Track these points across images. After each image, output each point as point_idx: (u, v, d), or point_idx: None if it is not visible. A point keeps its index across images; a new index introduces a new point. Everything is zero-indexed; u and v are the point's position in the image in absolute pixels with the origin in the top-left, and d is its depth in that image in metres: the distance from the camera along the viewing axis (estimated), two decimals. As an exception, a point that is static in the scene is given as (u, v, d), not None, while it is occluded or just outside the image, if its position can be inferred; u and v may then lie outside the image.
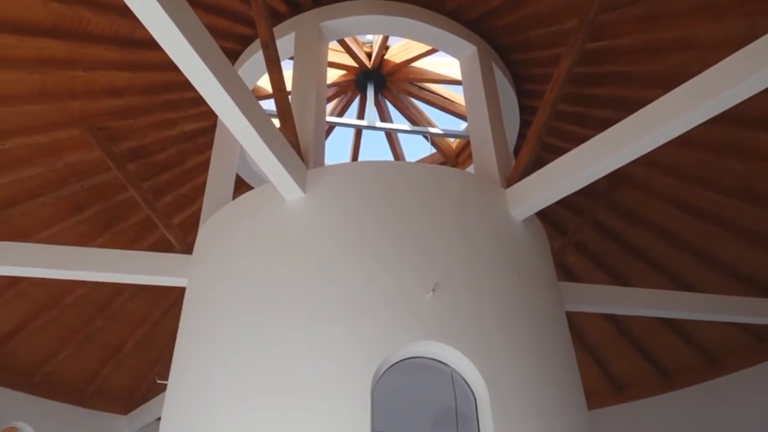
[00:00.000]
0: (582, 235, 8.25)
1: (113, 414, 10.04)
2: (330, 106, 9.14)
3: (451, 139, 9.41)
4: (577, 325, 9.10)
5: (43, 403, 9.37)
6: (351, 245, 4.73)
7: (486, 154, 6.15)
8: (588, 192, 6.74)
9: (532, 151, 5.82)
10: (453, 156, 9.38)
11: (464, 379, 4.46)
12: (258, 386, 4.19)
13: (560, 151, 5.75)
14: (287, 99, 5.54)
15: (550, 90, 5.85)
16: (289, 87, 6.31)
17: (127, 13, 6.10)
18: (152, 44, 6.60)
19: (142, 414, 9.72)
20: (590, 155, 5.13)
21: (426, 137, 8.87)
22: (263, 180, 7.91)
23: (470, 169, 8.76)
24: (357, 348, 4.23)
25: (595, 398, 9.21)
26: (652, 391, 9.47)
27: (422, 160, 9.52)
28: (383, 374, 4.29)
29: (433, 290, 4.50)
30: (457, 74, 8.05)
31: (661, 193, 7.87)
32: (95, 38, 6.47)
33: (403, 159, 9.57)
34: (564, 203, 7.39)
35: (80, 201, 7.98)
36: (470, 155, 8.95)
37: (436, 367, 4.58)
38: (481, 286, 4.81)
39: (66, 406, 9.58)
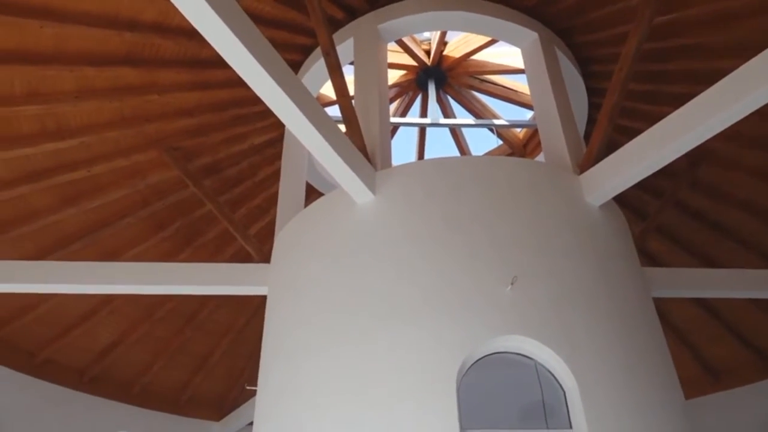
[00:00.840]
0: (664, 218, 7.90)
1: (207, 421, 10.46)
2: (392, 107, 9.18)
3: (518, 130, 9.25)
4: (665, 311, 8.71)
5: (143, 413, 9.89)
6: (424, 244, 4.73)
7: (556, 141, 6.00)
8: (667, 172, 6.44)
9: (604, 134, 5.62)
10: (520, 146, 9.21)
11: (550, 372, 4.36)
12: (343, 388, 4.25)
13: (633, 132, 5.53)
14: (351, 104, 5.61)
15: (619, 69, 5.64)
16: (351, 92, 6.39)
17: (193, 35, 6.39)
18: (218, 63, 6.89)
19: (234, 419, 10.07)
20: (668, 133, 4.90)
21: (491, 130, 8.74)
22: (332, 186, 8.04)
23: (540, 158, 8.57)
24: (439, 347, 4.22)
25: (690, 387, 8.79)
26: (751, 377, 8.94)
27: (489, 154, 9.40)
28: (467, 371, 4.26)
29: (512, 283, 4.43)
30: (519, 63, 7.90)
31: (747, 167, 7.43)
32: (165, 62, 6.77)
33: (470, 154, 9.48)
34: (642, 186, 7.08)
35: (162, 219, 8.38)
36: (539, 144, 8.76)
37: (520, 361, 4.50)
38: (561, 276, 4.70)
39: (163, 415, 10.07)
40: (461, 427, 3.94)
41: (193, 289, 6.64)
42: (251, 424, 9.32)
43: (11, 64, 5.92)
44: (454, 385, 4.06)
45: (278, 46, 4.39)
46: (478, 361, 4.33)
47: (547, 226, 4.96)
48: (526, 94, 8.45)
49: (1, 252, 7.32)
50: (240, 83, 7.11)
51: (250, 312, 9.83)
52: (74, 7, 5.84)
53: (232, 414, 10.18)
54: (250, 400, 9.46)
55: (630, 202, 8.12)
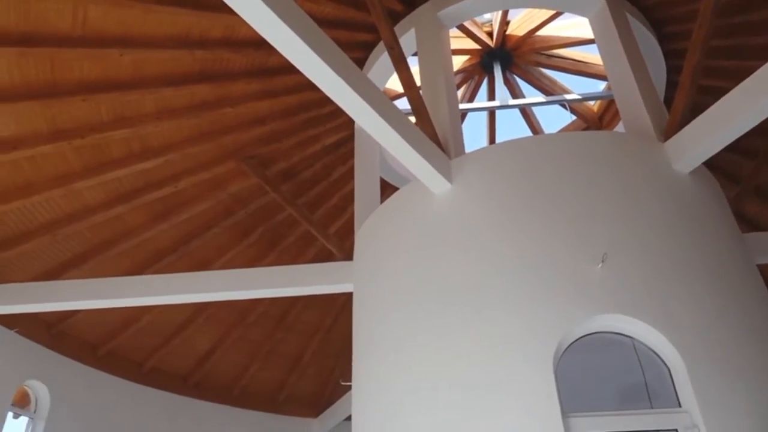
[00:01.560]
0: (761, 179, 7.40)
1: (305, 418, 10.78)
2: (459, 93, 9.07)
3: (592, 103, 8.92)
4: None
5: (245, 413, 10.31)
6: (507, 228, 4.65)
7: (635, 110, 5.74)
8: (760, 130, 6.03)
9: (688, 96, 5.32)
10: (596, 119, 8.88)
11: (651, 350, 4.19)
12: (439, 380, 4.25)
13: (719, 92, 5.19)
14: (419, 94, 5.59)
15: (699, 26, 5.31)
16: (417, 82, 6.37)
17: (259, 45, 6.57)
18: (285, 69, 7.08)
19: (331, 415, 10.32)
20: (759, 88, 4.58)
21: (564, 105, 8.48)
22: (406, 179, 8.06)
23: (618, 129, 8.24)
24: (532, 331, 4.14)
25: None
26: None
27: (563, 131, 9.12)
28: (563, 355, 4.16)
29: (603, 261, 4.28)
30: (586, 34, 7.62)
31: None
32: (236, 75, 7.00)
33: (543, 133, 9.24)
34: (733, 147, 6.66)
35: (246, 226, 8.68)
36: (616, 115, 8.42)
37: (617, 340, 4.35)
38: (654, 249, 4.50)
39: (263, 414, 10.46)
40: (563, 413, 3.85)
41: (281, 292, 6.85)
42: (348, 419, 9.53)
43: (97, 93, 6.29)
44: (551, 370, 3.98)
45: (341, 45, 4.42)
46: (573, 343, 4.22)
47: (634, 198, 4.76)
48: (598, 65, 8.13)
49: (103, 270, 7.80)
50: (307, 87, 7.29)
51: (336, 311, 10.04)
52: (149, 33, 6.13)
53: (329, 410, 10.43)
54: (345, 396, 9.68)
55: (720, 166, 7.64)
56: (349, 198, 8.38)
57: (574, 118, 8.92)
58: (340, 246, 7.45)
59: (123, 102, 6.58)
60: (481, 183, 5.08)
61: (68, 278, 7.39)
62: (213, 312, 9.28)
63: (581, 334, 4.25)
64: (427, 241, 5.04)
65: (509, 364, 4.05)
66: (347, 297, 6.96)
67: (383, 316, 5.01)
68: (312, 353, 10.46)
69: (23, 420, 8.10)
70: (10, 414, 7.74)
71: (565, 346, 4.19)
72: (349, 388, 8.94)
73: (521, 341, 4.10)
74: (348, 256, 6.69)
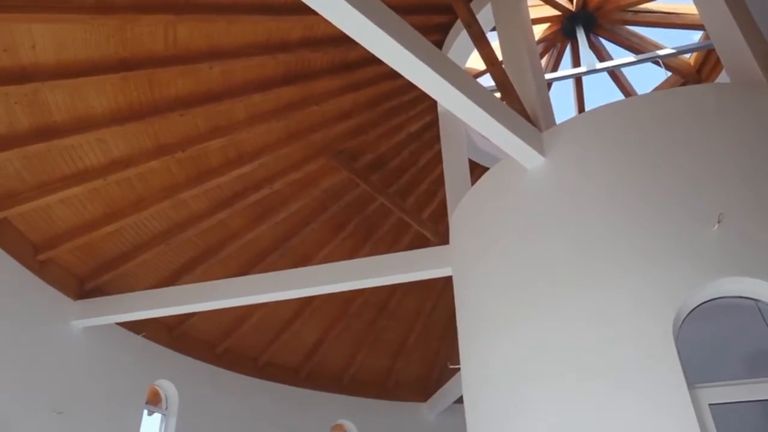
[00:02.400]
0: None
1: (414, 402, 10.92)
2: (541, 63, 8.79)
3: (687, 56, 8.36)
4: None
5: (356, 401, 10.60)
6: (611, 196, 4.46)
7: (739, 57, 5.31)
8: None
9: (801, 34, 4.88)
10: (693, 73, 8.32)
11: (781, 312, 3.91)
12: (553, 356, 4.17)
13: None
14: (502, 69, 5.48)
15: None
16: (499, 57, 6.23)
17: (339, 42, 6.67)
18: (364, 62, 7.15)
19: (440, 398, 10.39)
20: None
21: (657, 62, 8.01)
22: (495, 159, 7.94)
23: (721, 79, 7.68)
24: (648, 301, 3.97)
25: None
26: None
27: (658, 89, 8.62)
28: (683, 323, 3.96)
29: (718, 222, 4.02)
30: (676, -18, 7.15)
31: None
32: (318, 73, 7.16)
33: (635, 95, 8.78)
34: None
35: (341, 219, 8.89)
36: (716, 66, 7.86)
37: (739, 305, 4.10)
38: (777, 205, 4.17)
39: (374, 401, 10.70)
40: (688, 384, 3.67)
41: (382, 281, 6.95)
42: (458, 401, 9.57)
43: (193, 107, 6.63)
44: (671, 340, 3.80)
45: (417, 30, 4.40)
46: (693, 310, 4.01)
47: (749, 152, 4.43)
48: (691, 14, 7.61)
49: (213, 273, 8.24)
50: (387, 77, 7.34)
51: (435, 295, 10.08)
52: (234, 43, 6.39)
53: (438, 393, 10.50)
54: (453, 379, 9.71)
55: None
56: (439, 182, 8.36)
57: (668, 74, 8.40)
58: (434, 230, 7.47)
59: (216, 112, 6.90)
60: (576, 152, 4.91)
61: (183, 283, 7.88)
62: (317, 305, 9.58)
63: (701, 301, 4.04)
64: (525, 218, 4.95)
65: (627, 338, 3.90)
66: (446, 280, 6.95)
67: (488, 298, 4.97)
68: (416, 338, 10.57)
69: (157, 417, 8.76)
70: (145, 412, 8.39)
71: (684, 315, 3.99)
72: (457, 370, 8.99)
73: (637, 313, 3.93)
74: (443, 240, 6.69)
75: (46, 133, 6.01)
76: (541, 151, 5.03)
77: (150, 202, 7.22)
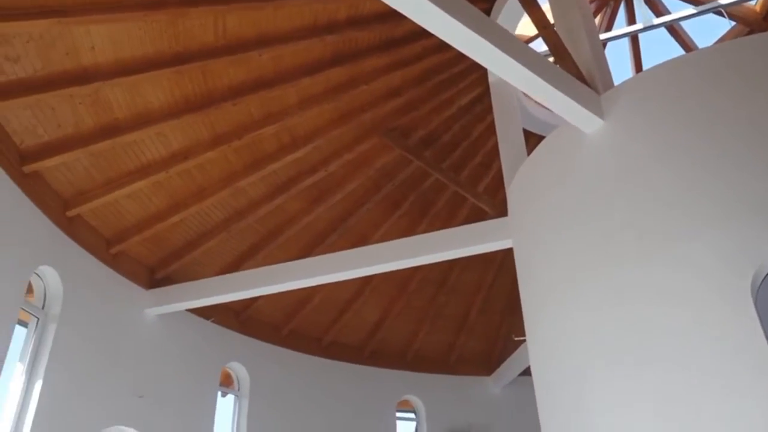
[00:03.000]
0: None
1: (479, 376, 10.94)
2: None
3: (751, 2, 7.88)
4: None
5: (421, 377, 10.69)
6: (679, 154, 4.27)
7: (812, -1, 4.98)
8: None
9: None
10: (760, 20, 7.85)
11: None
12: (624, 324, 4.07)
13: None
14: (555, 32, 5.31)
15: None
16: (550, 20, 6.04)
17: (385, 18, 6.62)
18: (411, 37, 7.08)
19: (505, 371, 10.36)
20: None
21: (720, 12, 7.58)
22: (550, 126, 7.74)
23: (790, 26, 7.23)
24: (722, 262, 3.79)
25: None
26: None
27: (721, 41, 8.18)
28: (762, 284, 3.79)
29: (797, 176, 3.81)
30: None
31: None
32: (365, 52, 7.13)
33: (697, 49, 8.36)
34: None
35: (396, 198, 8.90)
36: (784, 11, 7.39)
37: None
38: None
39: (439, 376, 10.77)
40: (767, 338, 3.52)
41: (441, 256, 6.93)
42: (523, 374, 9.53)
43: (246, 95, 6.74)
44: (750, 303, 3.64)
45: None
46: (772, 272, 3.83)
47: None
48: (755, -43, 7.16)
49: (275, 257, 8.42)
50: (434, 50, 7.24)
51: (494, 268, 10.00)
52: (281, 28, 6.43)
53: (502, 366, 10.48)
54: (517, 351, 9.65)
55: None
56: (493, 154, 8.25)
57: (732, 24, 7.96)
58: (491, 203, 7.38)
59: (268, 99, 6.99)
60: (638, 113, 4.73)
61: (246, 269, 8.08)
62: (376, 284, 9.67)
63: (781, 260, 3.84)
64: (587, 183, 4.82)
65: (701, 302, 3.75)
66: (505, 253, 6.87)
67: (552, 267, 4.90)
68: (477, 313, 10.54)
69: (230, 398, 9.09)
70: (219, 393, 8.72)
71: (763, 275, 3.81)
72: (521, 343, 8.93)
73: (711, 274, 3.77)
74: (501, 212, 6.61)
75: (109, 130, 6.23)
76: (600, 114, 4.88)
77: (210, 192, 7.42)
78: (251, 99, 6.83)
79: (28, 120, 5.75)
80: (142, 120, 6.37)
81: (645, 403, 3.75)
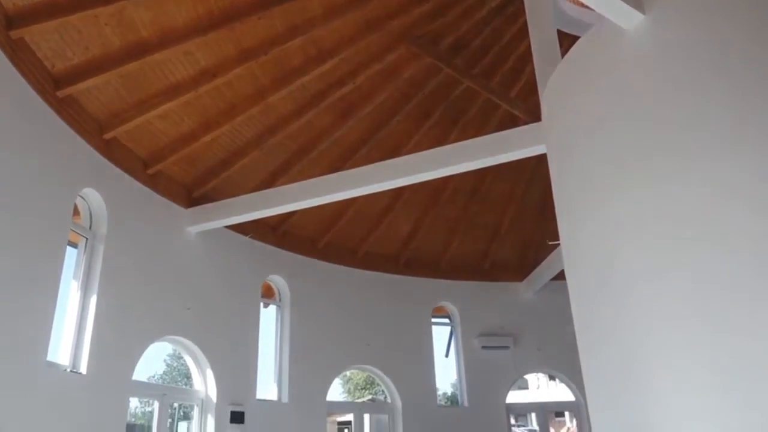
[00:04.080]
0: None
1: (512, 282, 11.18)
2: None
3: None
4: None
5: (455, 284, 10.98)
6: (729, 52, 4.03)
7: None
8: None
9: None
10: None
11: None
12: (660, 230, 4.05)
13: None
14: None
15: None
16: None
17: None
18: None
19: (538, 276, 10.55)
20: None
21: None
22: (587, 25, 7.40)
23: None
24: (765, 175, 3.64)
25: None
26: None
27: None
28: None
29: None
30: None
31: None
32: (389, -45, 6.82)
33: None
34: None
35: (426, 108, 8.78)
36: None
37: None
38: None
39: (473, 283, 11.05)
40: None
41: (474, 165, 6.91)
42: (556, 278, 9.69)
43: (270, 8, 6.56)
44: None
45: None
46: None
47: None
48: None
49: (307, 172, 8.49)
50: (463, -53, 6.86)
51: (527, 177, 9.96)
52: (301, -67, 6.16)
53: (535, 272, 10.66)
54: (550, 257, 9.78)
55: None
56: (526, 58, 7.98)
57: None
58: (524, 108, 7.26)
59: (292, 11, 6.81)
60: (684, 6, 4.47)
61: (280, 185, 8.21)
62: (408, 196, 9.75)
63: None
64: (627, 84, 4.65)
65: (737, 216, 3.65)
66: (537, 160, 6.81)
67: (589, 171, 4.84)
68: (510, 220, 10.62)
69: (272, 308, 9.52)
70: (261, 305, 9.13)
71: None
72: (554, 248, 9.02)
73: (751, 189, 3.62)
74: (535, 117, 6.49)
75: (137, 51, 6.19)
76: (641, 7, 4.62)
77: (240, 109, 7.42)
78: (275, 12, 6.66)
79: (57, 43, 5.74)
80: (168, 39, 6.29)
81: (684, 299, 3.79)
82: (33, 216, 5.63)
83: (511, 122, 8.13)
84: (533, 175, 9.76)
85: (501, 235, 10.83)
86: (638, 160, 4.32)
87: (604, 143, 4.70)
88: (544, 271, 10.21)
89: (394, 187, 7.69)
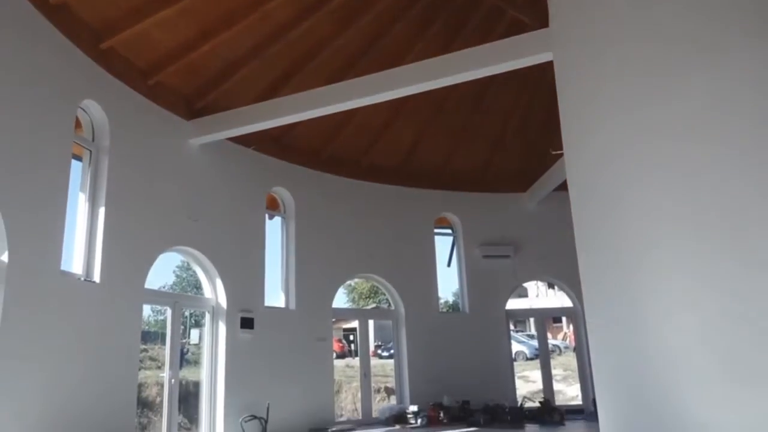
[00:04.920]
0: None
1: (514, 193, 11.25)
2: None
3: None
4: None
5: (457, 195, 11.08)
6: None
7: None
8: None
9: None
10: None
11: None
12: (671, 125, 4.01)
13: None
14: None
15: None
16: None
17: None
18: None
19: (540, 187, 10.61)
20: None
21: None
22: None
23: None
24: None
25: None
26: None
27: None
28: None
29: None
30: None
31: None
32: None
33: None
34: None
35: (428, 16, 8.50)
36: None
37: None
38: None
39: (475, 194, 11.13)
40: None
41: (478, 73, 6.78)
42: (558, 189, 9.75)
43: None
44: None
45: None
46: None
47: None
48: None
49: (308, 83, 8.32)
50: None
51: (531, 88, 9.78)
52: None
53: (537, 182, 10.71)
54: (552, 167, 9.78)
55: None
56: (533, -41, 7.63)
57: None
58: (531, 14, 7.01)
59: None
60: None
61: (281, 96, 8.09)
62: (411, 106, 9.64)
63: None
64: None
65: (735, 125, 3.61)
66: (543, 68, 6.66)
67: (596, 79, 4.77)
68: (513, 131, 10.55)
69: (277, 220, 9.67)
70: (266, 216, 9.26)
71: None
72: (557, 159, 9.02)
73: (762, 90, 3.55)
74: (542, 23, 6.31)
75: (127, -46, 5.95)
76: None
77: (239, 17, 7.20)
78: None
79: (44, -54, 5.52)
80: (160, -60, 6.02)
81: (683, 206, 3.85)
82: (36, 129, 5.63)
83: (517, 31, 7.88)
84: (540, 83, 9.57)
85: (504, 146, 10.79)
86: (648, 63, 4.23)
87: (613, 52, 4.60)
88: (546, 182, 10.25)
89: (396, 97, 7.60)
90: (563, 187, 7.09)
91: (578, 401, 11.49)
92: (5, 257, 5.15)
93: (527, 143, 10.76)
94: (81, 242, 6.41)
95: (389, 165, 10.67)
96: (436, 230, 11.17)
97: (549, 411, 9.56)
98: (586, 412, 10.10)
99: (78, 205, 6.51)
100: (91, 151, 6.69)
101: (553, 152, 8.01)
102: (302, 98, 7.63)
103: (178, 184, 7.72)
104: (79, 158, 6.66)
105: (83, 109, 6.59)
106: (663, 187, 4.02)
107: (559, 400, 12.42)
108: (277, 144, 9.30)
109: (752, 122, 3.47)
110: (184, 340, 11.27)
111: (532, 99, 10.06)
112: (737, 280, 3.39)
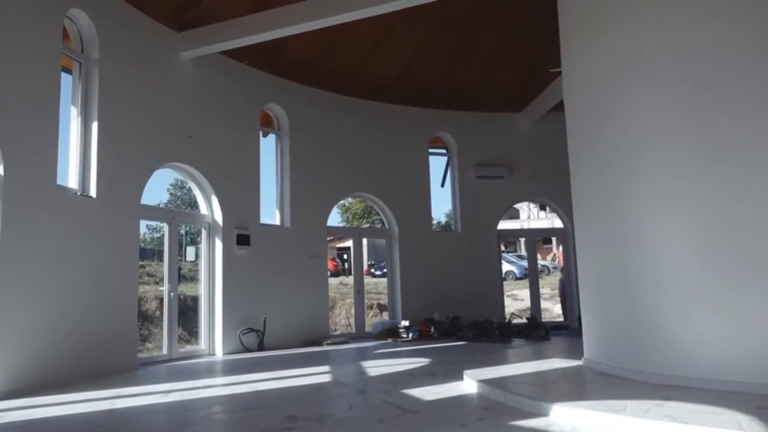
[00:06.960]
0: None
1: (510, 113, 11.15)
2: None
3: None
4: None
5: (453, 114, 10.99)
6: None
7: None
8: None
9: None
10: None
11: None
12: (670, 38, 3.99)
13: None
14: None
15: None
16: None
17: None
18: None
19: (536, 107, 10.52)
20: None
21: None
22: None
23: None
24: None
25: None
26: None
27: None
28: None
29: None
30: None
31: None
32: None
33: None
34: None
35: None
36: None
37: None
38: None
39: (471, 113, 11.04)
40: None
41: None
42: (554, 109, 9.67)
43: None
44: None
45: None
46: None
47: None
48: None
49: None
50: None
51: (530, 2, 9.48)
52: None
53: (533, 102, 10.60)
54: (548, 88, 9.66)
55: None
56: None
57: None
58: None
59: None
60: None
61: (272, 8, 7.81)
62: (409, 18, 9.32)
63: None
64: None
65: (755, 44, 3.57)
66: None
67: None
68: (512, 48, 10.31)
69: (271, 137, 9.59)
70: (260, 133, 9.18)
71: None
72: (554, 78, 8.89)
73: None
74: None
75: None
76: None
77: None
78: None
79: None
80: None
81: (681, 119, 3.86)
82: (24, 38, 5.48)
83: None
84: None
85: (502, 63, 10.58)
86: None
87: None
88: (542, 102, 10.15)
89: (393, 10, 7.35)
90: (559, 107, 7.04)
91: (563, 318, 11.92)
92: (0, 170, 5.14)
93: (525, 60, 10.54)
94: (75, 157, 6.37)
95: (386, 83, 10.48)
96: (430, 150, 11.15)
97: (535, 327, 9.91)
98: (571, 328, 10.50)
99: (71, 120, 6.43)
100: (80, 63, 6.52)
101: (551, 70, 7.87)
102: (293, 10, 7.39)
103: (171, 100, 7.60)
104: (69, 71, 6.50)
105: (70, 19, 6.37)
106: (654, 102, 4.02)
107: (546, 317, 12.86)
108: (270, 59, 9.08)
109: (757, 36, 3.43)
110: (179, 257, 11.46)
111: (532, 14, 9.76)
112: (724, 186, 3.45)
